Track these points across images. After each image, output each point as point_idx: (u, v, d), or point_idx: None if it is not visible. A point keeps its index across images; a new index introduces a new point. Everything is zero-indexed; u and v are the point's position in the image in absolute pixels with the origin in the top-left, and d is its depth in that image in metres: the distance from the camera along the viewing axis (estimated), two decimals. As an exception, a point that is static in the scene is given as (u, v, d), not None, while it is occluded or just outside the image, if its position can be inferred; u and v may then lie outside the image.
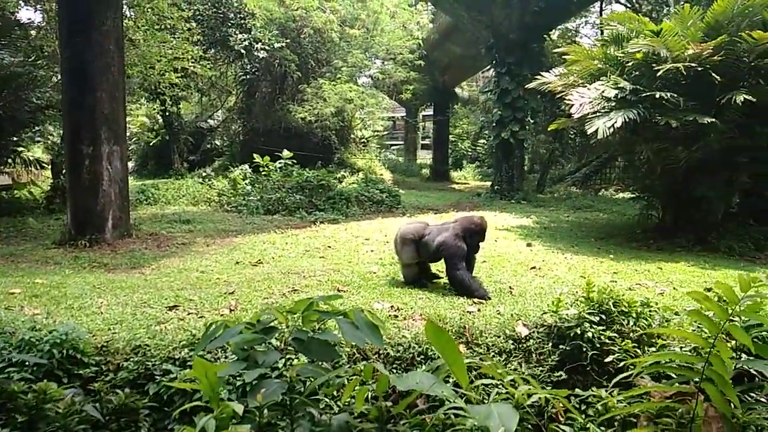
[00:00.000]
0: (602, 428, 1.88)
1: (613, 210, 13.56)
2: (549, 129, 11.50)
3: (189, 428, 1.53)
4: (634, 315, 3.70)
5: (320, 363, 1.69)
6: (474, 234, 5.22)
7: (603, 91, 7.67)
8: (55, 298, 4.89)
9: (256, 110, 19.17)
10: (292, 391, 1.66)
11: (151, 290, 5.29)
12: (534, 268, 6.36)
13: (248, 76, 18.99)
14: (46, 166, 12.88)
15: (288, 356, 3.27)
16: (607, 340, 3.50)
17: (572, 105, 8.02)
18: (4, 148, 11.14)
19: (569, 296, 4.42)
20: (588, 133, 7.80)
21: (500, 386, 2.07)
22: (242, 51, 16.05)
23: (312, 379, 1.69)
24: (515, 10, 15.47)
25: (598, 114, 7.71)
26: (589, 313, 3.65)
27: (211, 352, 3.41)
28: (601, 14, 21.14)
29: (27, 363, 3.26)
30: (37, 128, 12.36)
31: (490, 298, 4.82)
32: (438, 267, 5.67)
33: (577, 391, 2.59)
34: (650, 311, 3.62)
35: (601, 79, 8.13)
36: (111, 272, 6.38)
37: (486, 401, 1.98)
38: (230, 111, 21.83)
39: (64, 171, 10.20)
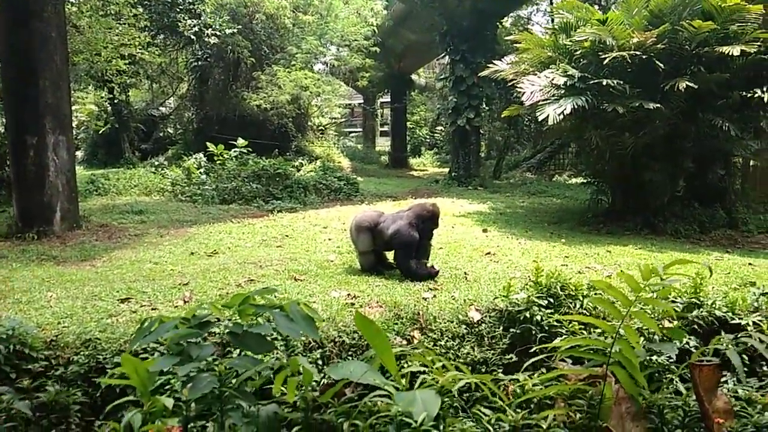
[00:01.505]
0: (518, 410, 1.98)
1: (566, 195, 13.93)
2: (503, 116, 11.69)
3: (114, 423, 1.53)
4: (580, 298, 3.84)
5: (254, 355, 1.71)
6: (427, 221, 5.30)
7: (553, 79, 7.85)
8: (2, 292, 4.74)
9: (210, 97, 18.78)
10: (224, 384, 1.67)
11: (102, 283, 5.17)
12: (489, 253, 6.49)
13: (200, 63, 18.56)
14: (-12, 156, 12.30)
15: (227, 350, 3.26)
16: (555, 323, 3.63)
17: (524, 92, 8.18)
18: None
19: (521, 281, 4.56)
20: (539, 120, 7.98)
21: (429, 373, 2.15)
22: (192, 37, 15.62)
23: (242, 372, 1.71)
24: (468, -4, 15.58)
25: (548, 101, 7.90)
26: (537, 297, 3.77)
27: (147, 348, 3.34)
28: (551, 2, 21.49)
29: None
30: (-24, 118, 11.80)
31: (437, 272, 5.00)
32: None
33: (500, 375, 2.70)
34: (596, 294, 3.77)
35: (550, 67, 8.32)
36: (60, 265, 6.20)
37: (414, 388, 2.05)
38: (182, 98, 21.32)
39: (8, 162, 9.77)
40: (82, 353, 3.50)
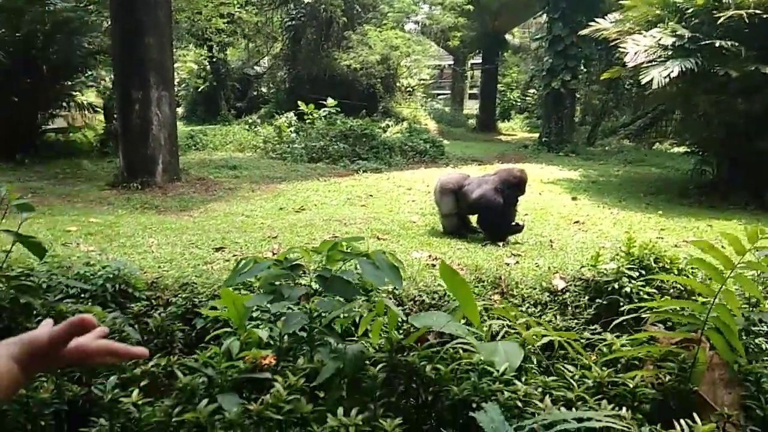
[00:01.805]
0: (605, 368, 1.92)
1: (666, 165, 13.08)
2: (602, 78, 11.06)
3: (215, 347, 1.64)
4: (675, 272, 3.62)
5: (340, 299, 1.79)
6: (513, 186, 5.17)
7: (660, 39, 7.30)
8: (109, 236, 5.13)
9: (302, 57, 19.05)
10: (313, 322, 1.76)
11: (198, 232, 5.48)
12: (577, 222, 6.26)
13: (294, 22, 18.80)
14: (99, 110, 13.25)
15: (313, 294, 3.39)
16: (645, 296, 3.45)
17: (627, 53, 7.68)
18: (59, 92, 11.48)
19: (611, 251, 4.36)
20: (643, 83, 7.49)
21: (512, 328, 2.13)
22: (288, -4, 15.89)
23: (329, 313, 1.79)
24: (571, -50, 14.66)
25: (653, 63, 7.38)
26: (628, 268, 3.59)
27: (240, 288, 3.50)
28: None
29: (83, 296, 3.46)
30: (89, 73, 12.63)
31: (522, 227, 4.91)
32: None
33: (586, 334, 2.61)
34: (692, 269, 3.54)
35: (658, 26, 7.73)
36: (161, 214, 6.63)
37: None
38: (276, 58, 21.77)
39: (115, 115, 10.48)
40: (180, 295, 3.74)
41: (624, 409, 1.62)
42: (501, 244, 5.08)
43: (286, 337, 1.73)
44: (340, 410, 1.46)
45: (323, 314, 1.80)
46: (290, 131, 13.86)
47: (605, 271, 3.70)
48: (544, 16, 16.77)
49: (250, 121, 16.36)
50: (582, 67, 16.06)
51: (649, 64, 7.44)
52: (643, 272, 3.59)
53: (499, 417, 1.40)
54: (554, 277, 3.95)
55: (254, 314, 3.03)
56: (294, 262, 1.79)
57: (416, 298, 3.79)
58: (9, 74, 9.73)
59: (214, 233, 5.46)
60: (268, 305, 1.75)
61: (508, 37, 27.75)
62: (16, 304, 2.05)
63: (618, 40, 8.59)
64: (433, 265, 4.38)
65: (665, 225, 6.26)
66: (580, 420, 1.50)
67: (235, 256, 4.67)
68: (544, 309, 3.71)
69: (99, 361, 0.82)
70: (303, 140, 13.10)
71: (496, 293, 3.84)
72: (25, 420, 1.43)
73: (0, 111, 9.65)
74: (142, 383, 1.55)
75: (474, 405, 1.53)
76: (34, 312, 2.26)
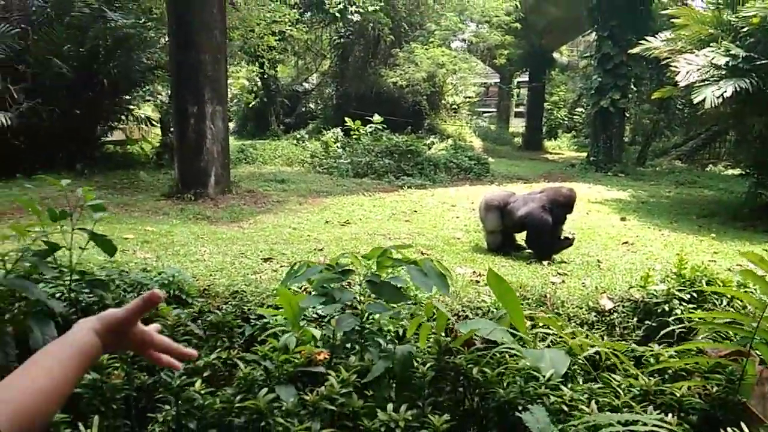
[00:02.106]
0: (651, 377, 1.91)
1: (719, 187, 12.68)
2: (653, 97, 10.86)
3: (273, 340, 1.73)
4: (728, 296, 3.54)
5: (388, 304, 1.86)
6: (561, 205, 5.13)
7: (713, 58, 7.15)
8: (164, 244, 5.35)
9: (349, 74, 19.39)
10: (364, 324, 1.84)
11: (248, 243, 5.65)
12: (626, 243, 6.15)
13: (342, 40, 19.18)
14: (156, 123, 13.80)
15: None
16: (696, 319, 3.38)
17: (679, 72, 7.54)
18: (118, 105, 12.03)
19: (661, 273, 4.28)
20: (695, 103, 7.33)
21: (558, 337, 2.15)
22: (337, 14, 16.21)
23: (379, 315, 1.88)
24: (622, -32, 14.52)
25: (706, 82, 7.22)
26: (679, 290, 3.53)
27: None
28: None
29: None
30: (147, 87, 13.19)
31: (572, 241, 4.86)
32: (523, 237, 5.63)
33: (633, 346, 2.59)
34: (746, 292, 3.44)
35: (711, 45, 7.57)
36: (213, 224, 6.85)
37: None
38: (324, 75, 22.22)
39: (171, 129, 10.91)
40: (230, 303, 3.87)
41: (670, 415, 1.63)
42: (546, 262, 5.05)
43: (339, 335, 1.82)
44: (390, 406, 1.54)
45: (373, 317, 1.89)
46: (337, 147, 14.10)
47: (655, 293, 3.64)
48: (593, 34, 16.60)
49: (298, 136, 16.73)
50: (632, 86, 15.79)
51: (702, 83, 7.29)
52: (695, 295, 3.52)
53: (545, 418, 1.45)
54: (601, 297, 3.91)
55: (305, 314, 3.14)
56: (345, 267, 1.88)
57: (460, 313, 3.81)
58: (72, 88, 10.26)
59: (262, 244, 5.62)
60: (320, 306, 1.85)
61: (555, 55, 27.54)
62: (91, 297, 2.21)
63: (669, 59, 8.45)
64: (477, 281, 4.39)
65: (718, 248, 6.09)
66: (626, 423, 1.51)
67: (282, 266, 4.79)
68: (590, 329, 3.67)
69: (155, 352, 0.89)
70: (349, 155, 13.30)
71: (541, 311, 3.82)
72: (99, 403, 1.57)
73: (63, 123, 10.15)
74: (205, 374, 1.67)
75: (520, 407, 1.57)
76: (106, 306, 2.43)
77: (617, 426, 1.50)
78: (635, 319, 3.70)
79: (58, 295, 2.29)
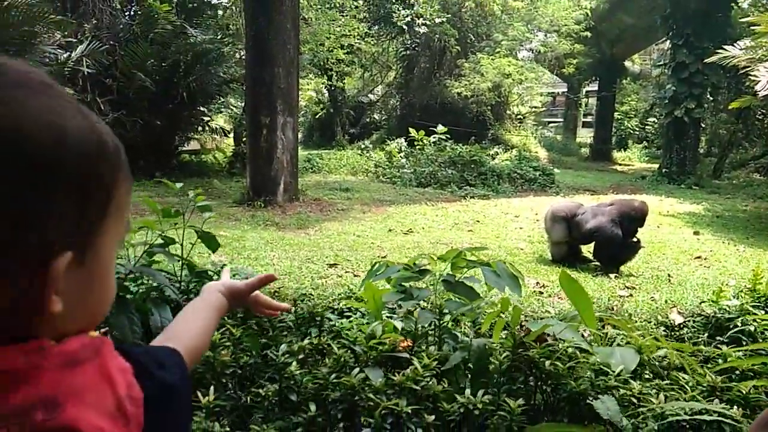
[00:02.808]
0: (718, 376, 1.92)
1: (802, 201, 11.96)
2: (730, 107, 10.42)
3: (364, 327, 1.89)
4: (807, 314, 3.38)
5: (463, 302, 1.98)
6: (632, 220, 5.05)
7: (798, 66, 6.82)
8: (237, 248, 5.63)
9: (414, 85, 19.57)
10: (442, 318, 1.97)
11: (314, 249, 5.86)
12: (699, 258, 5.95)
13: (408, 52, 19.41)
14: (229, 134, 14.43)
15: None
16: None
17: (759, 81, 7.23)
18: (195, 117, 12.68)
19: (735, 288, 4.14)
20: (777, 113, 7.01)
21: (627, 337, 2.21)
22: (404, 27, 16.45)
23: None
24: (699, -26, 14.00)
25: (790, 92, 6.89)
26: (753, 306, 3.41)
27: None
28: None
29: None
30: (222, 100, 13.83)
31: (640, 246, 4.78)
32: (590, 248, 5.56)
33: (701, 347, 2.54)
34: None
35: (797, 52, 7.22)
36: (281, 230, 7.13)
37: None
38: (389, 86, 22.51)
39: (243, 139, 11.38)
40: (299, 305, 4.05)
41: (735, 408, 1.65)
42: (614, 275, 4.97)
43: (419, 327, 1.97)
44: (467, 391, 1.67)
45: (450, 312, 2.03)
46: (400, 156, 14.27)
47: (728, 308, 3.53)
48: (667, 42, 16.05)
49: (362, 146, 17.04)
50: (708, 95, 15.15)
51: (786, 92, 6.97)
52: (770, 311, 3.40)
53: (615, 407, 1.54)
54: (671, 312, 3.82)
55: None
56: (422, 267, 2.00)
57: (522, 323, 3.82)
58: (153, 100, 10.91)
59: (327, 250, 5.82)
60: (399, 303, 2.03)
61: (627, 63, 26.75)
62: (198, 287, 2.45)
63: (748, 68, 8.11)
64: (540, 292, 4.38)
65: (800, 265, 5.78)
66: (692, 413, 1.56)
67: (347, 272, 4.95)
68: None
69: (263, 309, 1.12)
70: (412, 165, 13.43)
71: (608, 324, 3.78)
72: (211, 377, 1.80)
73: (144, 133, 10.80)
74: (300, 356, 1.88)
75: (590, 398, 1.66)
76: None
77: (683, 415, 1.55)
78: (706, 335, 3.59)
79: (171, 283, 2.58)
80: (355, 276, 4.83)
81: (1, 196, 0.48)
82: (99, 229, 0.57)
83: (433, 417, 1.62)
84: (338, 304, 4.16)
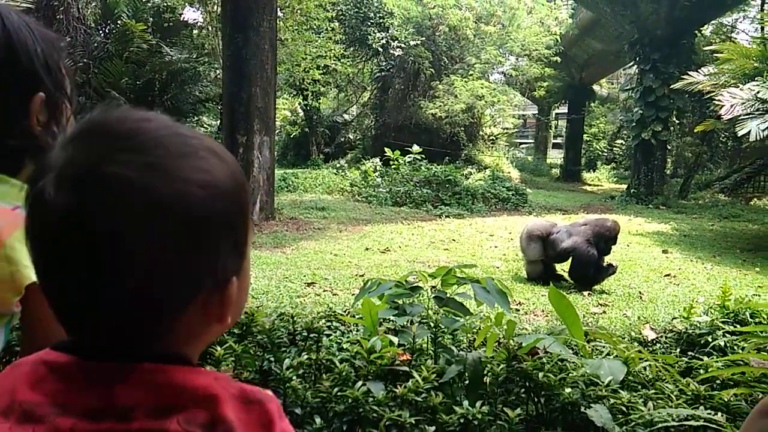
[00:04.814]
0: (701, 385, 2.01)
1: (764, 221, 12.39)
2: (696, 130, 10.80)
3: (364, 340, 1.92)
4: (774, 328, 3.52)
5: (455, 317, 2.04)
6: (606, 240, 5.19)
7: (758, 93, 7.14)
8: (214, 268, 5.58)
9: (389, 106, 19.79)
10: (437, 334, 2.02)
11: (291, 267, 5.85)
12: (668, 275, 6.12)
13: (383, 73, 19.65)
14: (203, 153, 14.29)
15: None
16: (740, 350, 3.37)
17: (723, 106, 7.54)
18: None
19: (705, 305, 4.27)
20: (739, 136, 7.31)
21: (612, 350, 2.30)
22: (379, 49, 16.67)
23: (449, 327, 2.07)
24: (664, 4, 14.56)
25: (751, 116, 7.19)
26: (723, 322, 3.53)
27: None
28: (762, 8, 19.08)
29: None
30: (196, 119, 13.75)
31: (615, 268, 4.90)
32: (563, 267, 5.67)
33: (684, 359, 2.64)
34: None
35: (756, 79, 7.56)
36: (257, 249, 7.09)
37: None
38: (364, 106, 22.71)
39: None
40: (278, 325, 4.04)
41: (719, 414, 1.73)
42: (587, 293, 5.08)
43: (416, 341, 2.02)
44: (466, 402, 1.71)
45: (446, 327, 2.08)
46: (376, 176, 14.35)
47: (698, 324, 3.64)
48: (635, 67, 16.61)
49: (338, 165, 17.09)
50: (674, 119, 15.67)
51: (747, 116, 7.27)
52: (739, 326, 3.52)
53: (608, 415, 1.62)
54: (644, 328, 3.93)
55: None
56: (413, 284, 2.04)
57: (500, 340, 3.88)
58: (127, 119, 10.77)
59: (305, 269, 5.81)
60: (393, 318, 2.09)
61: (595, 87, 27.52)
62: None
63: (712, 93, 8.45)
64: (517, 310, 4.46)
65: (763, 282, 5.99)
66: (679, 419, 1.64)
67: (325, 291, 4.96)
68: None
69: None
70: (388, 185, 13.52)
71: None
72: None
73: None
74: (300, 371, 1.91)
75: (582, 408, 1.72)
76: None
77: (671, 422, 1.63)
78: (678, 349, 3.70)
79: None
80: (333, 294, 4.83)
81: (184, 252, 0.55)
82: (246, 251, 0.66)
83: (433, 428, 1.67)
84: (317, 323, 4.17)
